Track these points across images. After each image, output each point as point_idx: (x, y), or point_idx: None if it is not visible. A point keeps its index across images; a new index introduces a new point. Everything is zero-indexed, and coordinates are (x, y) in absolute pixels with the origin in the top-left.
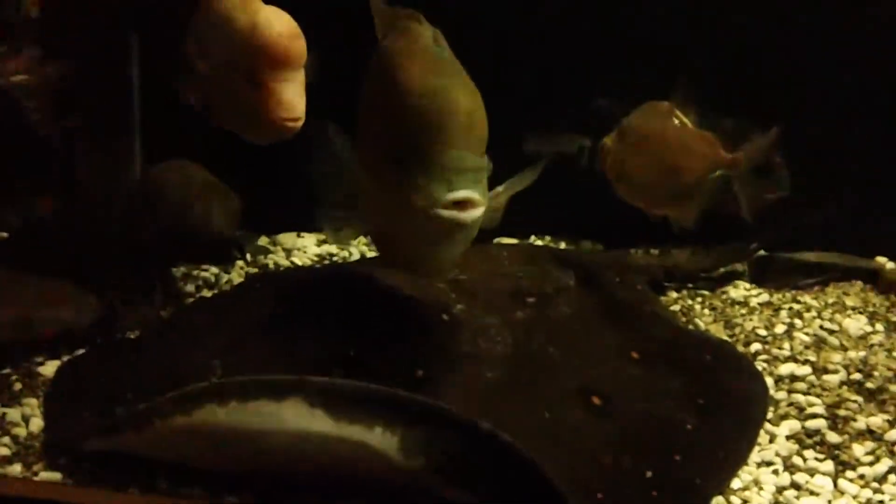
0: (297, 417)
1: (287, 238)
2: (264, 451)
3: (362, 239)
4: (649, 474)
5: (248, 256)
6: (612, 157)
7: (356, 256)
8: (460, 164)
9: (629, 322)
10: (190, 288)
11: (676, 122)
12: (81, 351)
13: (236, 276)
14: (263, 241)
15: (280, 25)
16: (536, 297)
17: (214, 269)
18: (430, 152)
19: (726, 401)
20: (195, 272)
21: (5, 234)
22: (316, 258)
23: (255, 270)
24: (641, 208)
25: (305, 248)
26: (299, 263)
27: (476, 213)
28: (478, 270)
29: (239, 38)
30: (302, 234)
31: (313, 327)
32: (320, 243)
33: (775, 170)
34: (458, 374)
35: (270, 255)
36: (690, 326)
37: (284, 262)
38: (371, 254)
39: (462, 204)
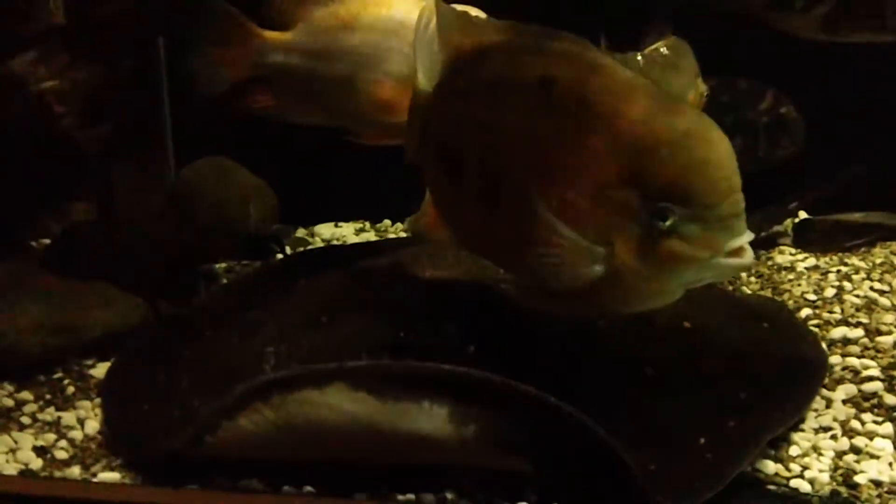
0: (343, 402)
1: (325, 229)
2: (316, 439)
3: (400, 225)
4: (703, 440)
5: (288, 249)
6: None
7: None
8: (739, 207)
9: None
10: None
11: None
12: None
13: None
14: (301, 233)
15: None
16: None
17: (256, 264)
18: (711, 201)
19: (783, 368)
20: (236, 268)
21: (47, 241)
22: None
23: None
24: None
25: (344, 238)
26: None
27: (752, 254)
28: None
29: None
30: (340, 223)
31: (362, 310)
32: (358, 232)
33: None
34: (509, 348)
35: (310, 247)
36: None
37: None
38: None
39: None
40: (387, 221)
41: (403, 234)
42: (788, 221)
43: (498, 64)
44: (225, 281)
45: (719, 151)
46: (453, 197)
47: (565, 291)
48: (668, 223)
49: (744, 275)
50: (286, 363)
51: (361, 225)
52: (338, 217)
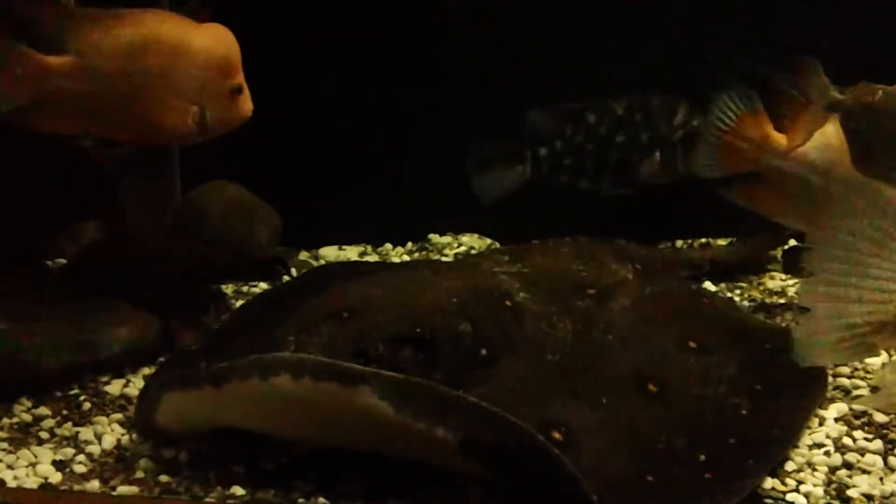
0: (363, 405)
1: (329, 251)
2: (327, 427)
3: (401, 249)
4: (703, 457)
5: (293, 271)
6: None
7: None
8: None
9: (687, 312)
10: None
11: None
12: (146, 369)
13: None
14: (304, 256)
15: None
16: (596, 289)
17: (263, 285)
18: None
19: (784, 386)
20: (244, 288)
21: (63, 260)
22: None
23: None
24: None
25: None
26: None
27: None
28: (539, 265)
29: None
30: (344, 247)
31: (382, 308)
32: (361, 255)
33: None
34: (519, 354)
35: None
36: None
37: None
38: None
39: None
40: (388, 245)
41: (406, 258)
42: (778, 249)
43: None
44: (233, 301)
45: None
46: None
47: None
48: None
49: (737, 298)
50: (304, 349)
51: (364, 248)
52: (342, 241)
